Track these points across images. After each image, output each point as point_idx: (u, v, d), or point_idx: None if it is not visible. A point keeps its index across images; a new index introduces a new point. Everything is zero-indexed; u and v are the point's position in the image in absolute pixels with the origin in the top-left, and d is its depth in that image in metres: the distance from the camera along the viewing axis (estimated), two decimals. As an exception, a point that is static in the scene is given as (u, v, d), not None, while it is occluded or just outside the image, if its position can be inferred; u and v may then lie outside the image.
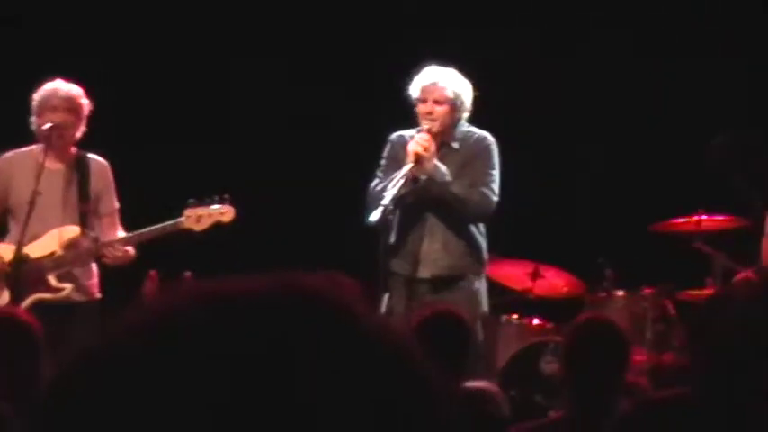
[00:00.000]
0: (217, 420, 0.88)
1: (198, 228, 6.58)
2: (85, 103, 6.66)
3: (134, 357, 0.91)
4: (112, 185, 6.80)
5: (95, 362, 0.94)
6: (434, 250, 6.72)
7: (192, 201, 6.60)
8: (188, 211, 6.59)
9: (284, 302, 0.92)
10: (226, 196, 6.65)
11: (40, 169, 6.48)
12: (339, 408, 0.88)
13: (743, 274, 6.47)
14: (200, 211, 6.60)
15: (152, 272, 6.57)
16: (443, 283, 6.68)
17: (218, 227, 6.64)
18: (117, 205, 6.79)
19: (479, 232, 6.81)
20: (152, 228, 6.60)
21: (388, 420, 0.89)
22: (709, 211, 7.20)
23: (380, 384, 0.91)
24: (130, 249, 6.59)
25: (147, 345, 0.92)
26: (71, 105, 6.62)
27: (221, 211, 6.63)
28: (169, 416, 0.89)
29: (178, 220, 6.58)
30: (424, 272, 6.70)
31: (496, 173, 6.76)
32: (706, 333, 3.92)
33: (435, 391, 0.93)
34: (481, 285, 6.83)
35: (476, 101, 6.81)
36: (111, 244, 6.60)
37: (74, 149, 6.75)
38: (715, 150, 6.74)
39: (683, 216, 7.27)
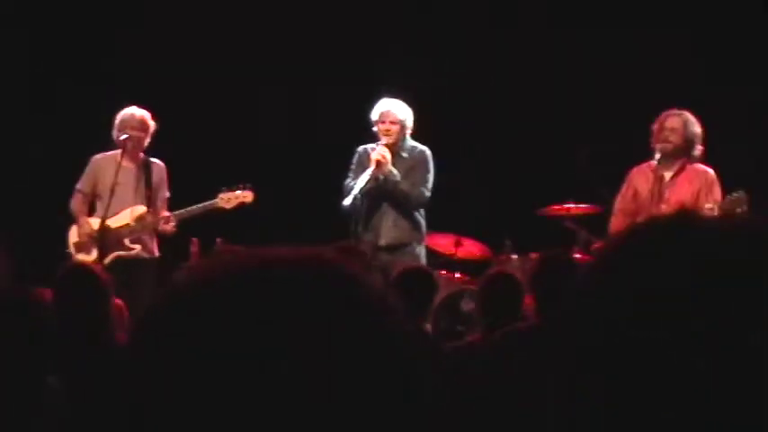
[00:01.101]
0: (247, 363, 0.82)
1: (228, 206, 6.61)
2: (152, 123, 6.73)
3: (194, 307, 0.85)
4: (166, 180, 6.83)
5: (174, 308, 0.87)
6: (388, 227, 6.70)
7: (223, 188, 6.63)
8: (221, 195, 6.63)
9: (307, 271, 0.87)
10: (248, 184, 6.68)
11: (118, 167, 6.55)
12: (344, 351, 0.84)
13: (597, 244, 6.61)
14: (229, 195, 6.63)
15: (194, 239, 6.62)
16: (395, 248, 6.66)
17: (242, 207, 6.67)
18: (168, 194, 6.82)
19: (420, 214, 6.81)
20: (196, 206, 6.64)
21: (374, 354, 0.85)
22: (576, 200, 7.10)
23: (375, 331, 0.86)
24: (174, 225, 6.61)
25: (197, 303, 0.86)
26: (141, 125, 6.69)
27: (244, 195, 6.65)
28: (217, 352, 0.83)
29: (214, 201, 6.63)
30: (382, 241, 6.67)
31: (431, 176, 6.77)
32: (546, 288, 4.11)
33: (411, 333, 0.89)
34: (421, 251, 6.83)
35: (416, 122, 6.79)
36: (167, 219, 6.62)
37: (142, 155, 6.80)
38: (582, 157, 6.61)
39: (558, 203, 7.19)
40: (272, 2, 8.53)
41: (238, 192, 6.65)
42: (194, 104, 8.05)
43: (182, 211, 6.67)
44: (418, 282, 4.86)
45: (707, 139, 6.26)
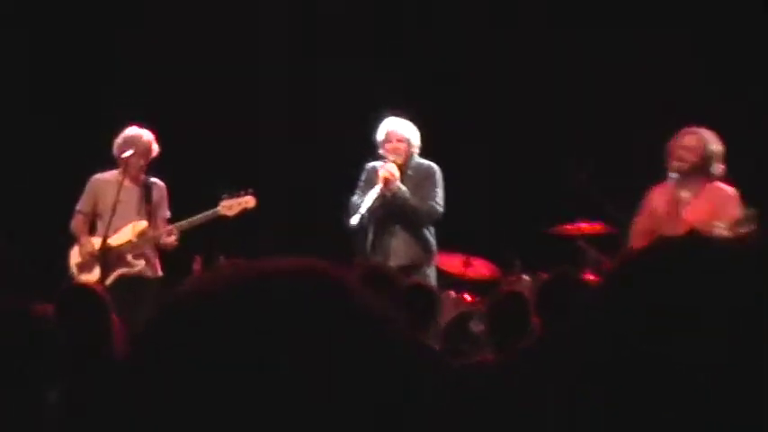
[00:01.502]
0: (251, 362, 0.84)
1: (230, 213, 6.63)
2: (155, 146, 6.77)
3: (198, 315, 0.88)
4: (166, 200, 6.85)
5: (178, 315, 0.89)
6: (399, 247, 6.66)
7: (224, 195, 6.65)
8: (223, 203, 6.65)
9: (305, 282, 0.90)
10: (250, 189, 6.70)
11: (119, 186, 6.60)
12: (343, 360, 0.86)
13: (608, 264, 6.57)
14: (231, 201, 6.65)
15: (197, 257, 6.63)
16: (405, 270, 6.50)
17: (245, 213, 6.67)
18: (168, 214, 6.83)
19: (430, 233, 6.76)
20: (197, 216, 6.65)
21: (374, 363, 0.88)
22: (587, 219, 7.09)
23: (369, 340, 0.88)
24: (173, 238, 6.63)
25: (199, 312, 0.88)
26: (147, 146, 6.74)
27: (246, 200, 6.67)
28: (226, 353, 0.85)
29: (216, 209, 6.64)
30: (393, 263, 6.54)
31: (441, 190, 6.73)
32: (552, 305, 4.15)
33: (406, 341, 0.91)
34: (432, 272, 6.78)
35: (422, 139, 6.79)
36: (169, 231, 6.64)
37: (143, 174, 6.83)
38: (575, 173, 6.70)
39: (569, 222, 7.16)
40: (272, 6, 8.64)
41: (240, 198, 6.66)
42: (195, 111, 8.11)
43: (183, 222, 6.68)
44: (419, 296, 4.87)
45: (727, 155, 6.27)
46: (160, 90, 7.99)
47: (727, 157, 6.23)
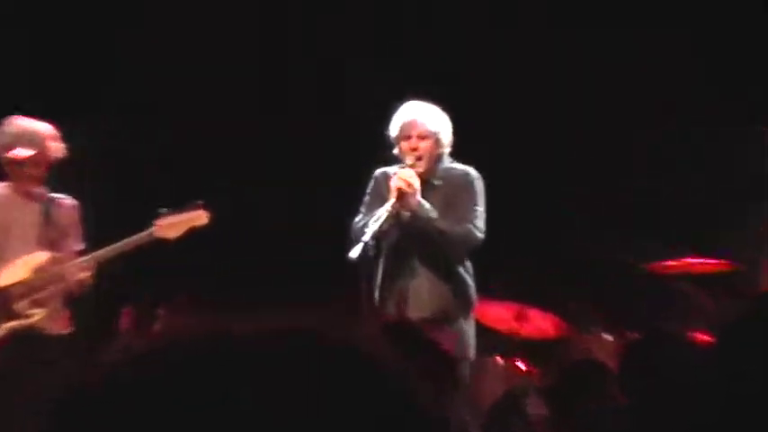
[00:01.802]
0: None
1: (172, 235, 6.56)
2: (58, 146, 6.65)
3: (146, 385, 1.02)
4: (79, 225, 6.76)
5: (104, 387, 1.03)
6: (419, 291, 6.50)
7: (163, 211, 6.55)
8: (159, 221, 6.55)
9: (294, 351, 1.04)
10: (199, 202, 6.60)
11: (7, 202, 6.58)
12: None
13: (722, 314, 6.79)
14: (172, 219, 6.57)
15: (127, 309, 6.52)
16: (431, 324, 6.27)
17: (192, 232, 6.60)
18: (80, 245, 6.72)
19: (466, 271, 6.59)
20: (123, 242, 6.54)
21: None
22: (698, 255, 7.43)
23: (375, 405, 1.01)
24: (87, 274, 6.54)
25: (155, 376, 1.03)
26: (44, 144, 6.60)
27: (195, 216, 6.62)
28: None
29: (150, 230, 6.54)
30: (411, 313, 6.43)
31: (481, 208, 6.56)
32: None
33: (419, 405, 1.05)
34: (469, 328, 6.61)
35: (455, 135, 6.72)
36: (81, 266, 6.52)
37: (43, 187, 6.70)
38: None
39: (673, 257, 7.49)
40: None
41: (185, 214, 6.60)
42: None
43: (102, 251, 6.57)
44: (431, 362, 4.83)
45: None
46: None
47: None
